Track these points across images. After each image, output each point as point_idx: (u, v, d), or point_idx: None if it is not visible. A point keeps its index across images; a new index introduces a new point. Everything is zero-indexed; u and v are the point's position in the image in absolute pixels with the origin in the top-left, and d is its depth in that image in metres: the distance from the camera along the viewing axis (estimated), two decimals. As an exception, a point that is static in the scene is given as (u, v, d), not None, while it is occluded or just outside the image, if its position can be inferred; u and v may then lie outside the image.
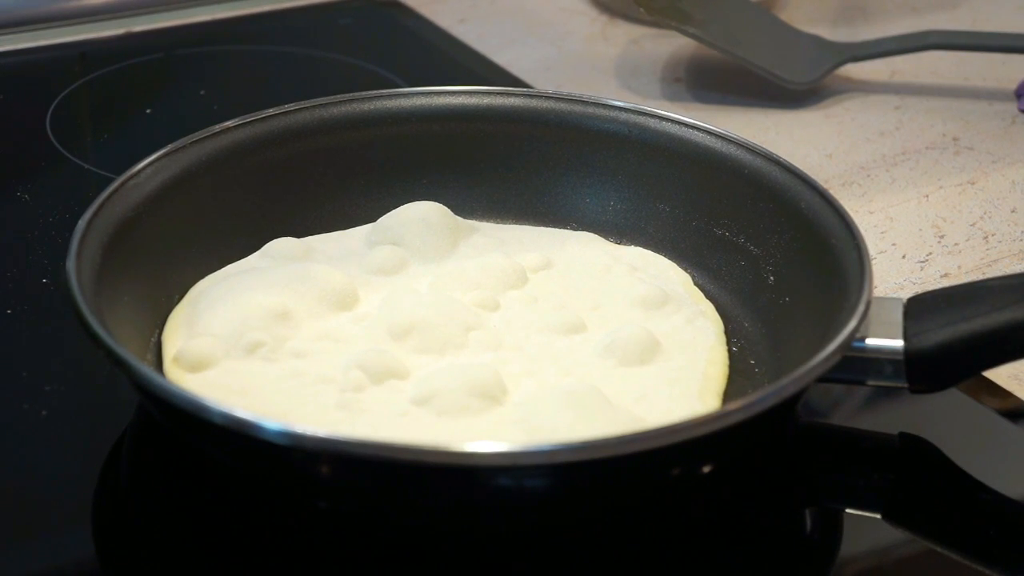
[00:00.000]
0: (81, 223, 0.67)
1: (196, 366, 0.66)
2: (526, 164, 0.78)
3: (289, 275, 0.70)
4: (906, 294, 0.68)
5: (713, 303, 0.73)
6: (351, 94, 0.79)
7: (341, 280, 0.71)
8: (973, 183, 0.90)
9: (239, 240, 0.74)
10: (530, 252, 0.75)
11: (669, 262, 0.75)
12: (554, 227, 0.78)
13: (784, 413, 0.65)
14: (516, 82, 0.98)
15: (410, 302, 0.70)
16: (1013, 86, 1.00)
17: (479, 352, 0.68)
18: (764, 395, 0.60)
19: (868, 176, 0.91)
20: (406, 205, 0.75)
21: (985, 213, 0.87)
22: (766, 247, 0.73)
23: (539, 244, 0.76)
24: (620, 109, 0.78)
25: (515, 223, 0.78)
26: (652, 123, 0.77)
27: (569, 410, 0.64)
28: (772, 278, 0.72)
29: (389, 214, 0.75)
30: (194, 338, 0.67)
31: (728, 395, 0.68)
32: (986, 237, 0.85)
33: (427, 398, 0.65)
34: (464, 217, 0.77)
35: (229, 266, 0.73)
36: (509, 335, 0.70)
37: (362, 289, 0.71)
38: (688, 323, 0.71)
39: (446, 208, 0.76)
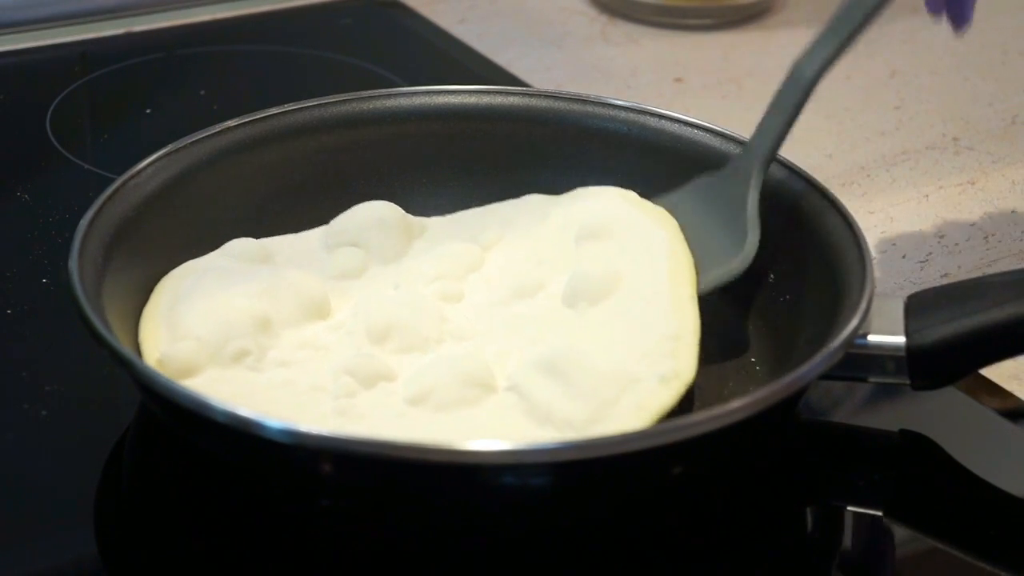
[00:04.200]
0: (83, 223, 0.67)
1: (182, 372, 0.65)
2: (525, 163, 0.78)
3: (266, 281, 0.70)
4: (906, 294, 0.68)
5: (713, 302, 0.73)
6: (351, 94, 0.79)
7: (317, 289, 0.70)
8: (973, 183, 0.90)
9: (239, 237, 0.73)
10: (479, 232, 0.75)
11: (610, 188, 0.76)
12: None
13: (786, 411, 0.65)
14: (516, 82, 0.98)
15: (383, 305, 0.70)
16: (1013, 86, 1.01)
17: (457, 341, 0.69)
18: (766, 393, 0.60)
19: (868, 176, 0.91)
20: (359, 205, 0.75)
21: (985, 213, 0.87)
22: (766, 245, 0.72)
23: (485, 222, 0.76)
24: (619, 108, 0.78)
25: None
26: (651, 121, 0.77)
27: (555, 381, 0.64)
28: (773, 276, 0.72)
29: (343, 215, 0.75)
30: (178, 342, 0.66)
31: (729, 394, 0.68)
32: (986, 237, 0.85)
33: (422, 397, 0.65)
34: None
35: (190, 261, 0.72)
36: (479, 318, 0.70)
37: (332, 296, 0.71)
38: (639, 237, 0.72)
39: (398, 207, 0.75)
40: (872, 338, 0.65)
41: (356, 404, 0.65)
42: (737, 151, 0.74)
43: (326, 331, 0.69)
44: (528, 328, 0.69)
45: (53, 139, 0.91)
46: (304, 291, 0.70)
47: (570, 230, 0.74)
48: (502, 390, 0.65)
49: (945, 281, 0.80)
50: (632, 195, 0.75)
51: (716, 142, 0.76)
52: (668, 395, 0.65)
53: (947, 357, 0.66)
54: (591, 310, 0.69)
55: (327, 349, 0.68)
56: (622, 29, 1.09)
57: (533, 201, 0.77)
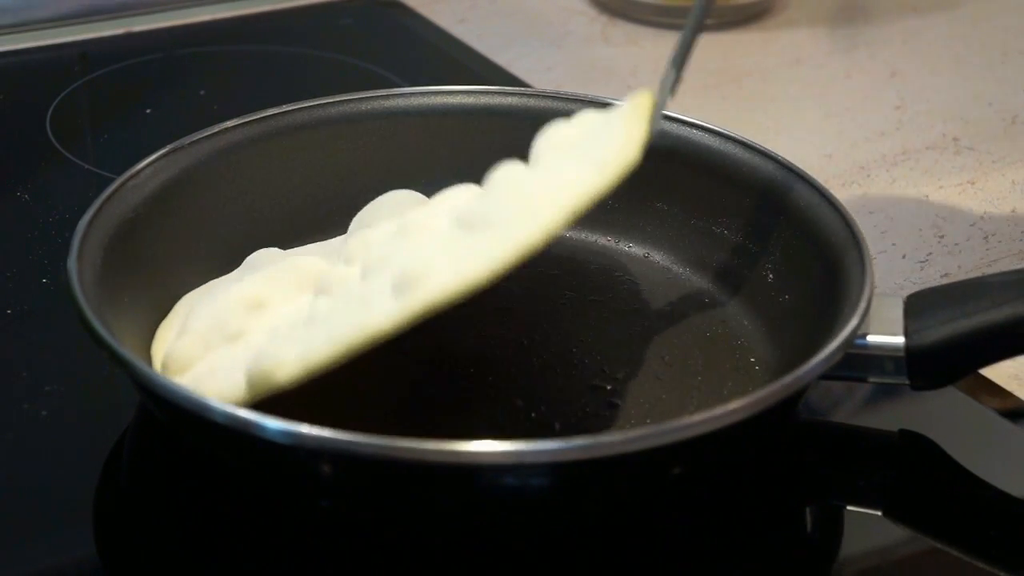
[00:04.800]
0: (82, 223, 0.67)
1: (183, 366, 0.65)
2: (524, 163, 0.78)
3: (267, 269, 0.70)
4: (906, 294, 0.68)
5: (711, 302, 0.73)
6: (351, 94, 0.79)
7: (318, 265, 0.70)
8: (973, 183, 0.90)
9: (239, 239, 0.74)
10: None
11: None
12: None
13: (785, 411, 0.65)
14: (516, 82, 0.98)
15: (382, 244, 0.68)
16: (1013, 86, 1.01)
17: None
18: (766, 394, 0.60)
19: (868, 176, 0.91)
20: (383, 196, 0.75)
21: (985, 213, 0.87)
22: (765, 245, 0.73)
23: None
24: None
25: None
26: (651, 121, 0.77)
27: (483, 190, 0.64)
28: (771, 276, 0.72)
29: (367, 206, 0.74)
30: (177, 340, 0.67)
31: (728, 394, 0.68)
32: (986, 237, 0.85)
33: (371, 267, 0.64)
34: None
35: (213, 280, 0.72)
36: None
37: (335, 277, 0.69)
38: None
39: (419, 194, 0.75)
40: (871, 338, 0.65)
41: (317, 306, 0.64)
42: (737, 150, 0.75)
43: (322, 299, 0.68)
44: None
45: (53, 139, 0.91)
46: (304, 269, 0.69)
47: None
48: (420, 234, 0.65)
49: (945, 281, 0.80)
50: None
51: (715, 141, 0.76)
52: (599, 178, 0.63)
53: (946, 357, 0.66)
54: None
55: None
56: (622, 29, 1.09)
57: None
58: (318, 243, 0.76)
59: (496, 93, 0.80)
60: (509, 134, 0.78)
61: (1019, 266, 0.83)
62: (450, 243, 0.62)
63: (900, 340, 0.65)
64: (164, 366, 0.66)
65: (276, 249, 0.74)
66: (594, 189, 0.63)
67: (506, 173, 0.66)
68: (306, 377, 0.60)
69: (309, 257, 0.71)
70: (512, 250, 0.60)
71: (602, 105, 0.78)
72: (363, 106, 0.79)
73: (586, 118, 0.69)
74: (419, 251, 0.62)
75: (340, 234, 0.75)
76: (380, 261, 0.64)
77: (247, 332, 0.66)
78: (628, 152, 0.64)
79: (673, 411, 0.67)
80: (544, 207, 0.62)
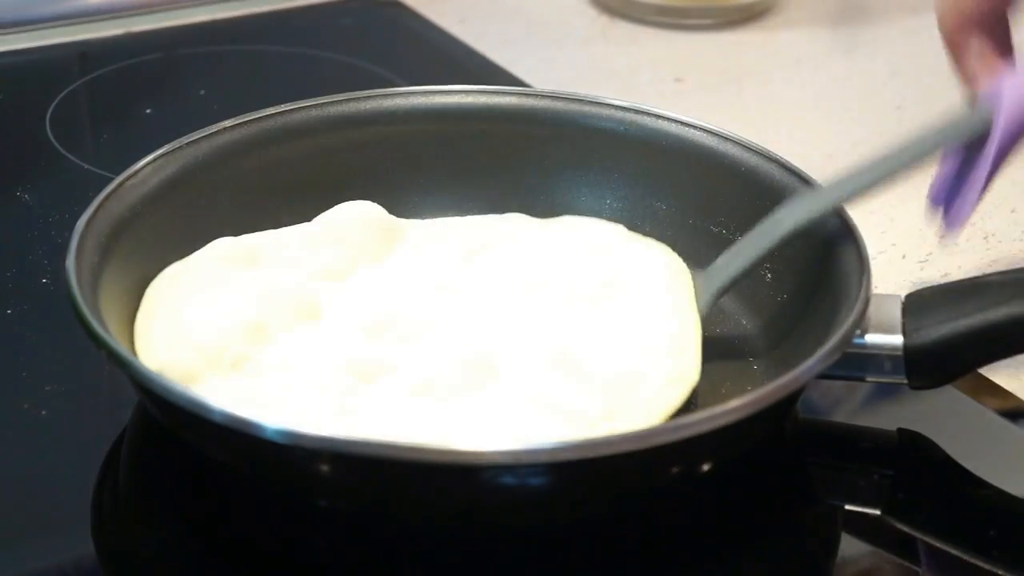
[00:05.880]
0: (80, 222, 0.67)
1: (183, 380, 0.65)
2: (523, 163, 0.78)
3: (256, 286, 0.70)
4: (905, 294, 0.68)
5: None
6: (351, 94, 0.79)
7: (307, 291, 0.70)
8: (973, 182, 0.90)
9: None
10: (468, 237, 0.75)
11: (598, 220, 0.76)
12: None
13: (784, 410, 0.65)
14: (516, 82, 0.98)
15: (375, 299, 0.70)
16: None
17: (454, 331, 0.68)
18: (764, 393, 0.60)
19: (868, 176, 0.90)
20: (341, 204, 0.75)
21: (985, 213, 0.87)
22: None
23: (471, 230, 0.76)
24: (617, 107, 0.78)
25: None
26: (649, 121, 0.77)
27: (564, 372, 0.65)
28: (770, 276, 0.72)
29: (324, 214, 0.75)
30: (175, 349, 0.66)
31: (727, 394, 0.68)
32: (986, 237, 0.85)
33: (424, 386, 0.65)
34: (462, 215, 0.77)
35: (177, 264, 0.71)
36: (478, 309, 0.70)
37: (321, 296, 0.71)
38: (635, 251, 0.73)
39: (380, 207, 0.75)
40: (870, 337, 0.65)
41: (359, 401, 0.65)
42: (735, 150, 0.75)
43: (320, 331, 0.69)
44: (530, 320, 0.69)
45: (53, 139, 0.91)
46: (294, 295, 0.70)
47: (565, 244, 0.74)
48: (505, 377, 0.65)
49: (945, 281, 0.80)
50: (622, 228, 0.75)
51: (714, 141, 0.76)
52: (675, 394, 0.65)
53: (945, 357, 0.66)
54: (592, 310, 0.70)
55: (324, 349, 0.68)
56: (622, 29, 1.09)
57: (519, 219, 0.77)
58: (277, 233, 0.75)
59: (496, 93, 0.79)
60: (509, 134, 0.78)
61: (1019, 266, 0.83)
62: (532, 422, 0.63)
63: (899, 339, 0.66)
64: (162, 374, 0.65)
65: (232, 239, 0.73)
66: (672, 409, 0.65)
67: (586, 350, 0.67)
68: None
69: (295, 280, 0.71)
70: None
71: (602, 105, 0.78)
72: (363, 106, 0.78)
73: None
74: (507, 423, 0.63)
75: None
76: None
77: (250, 360, 0.66)
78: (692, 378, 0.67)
79: (676, 411, 0.67)
80: (632, 418, 0.64)
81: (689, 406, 0.67)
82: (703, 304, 0.70)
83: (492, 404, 0.64)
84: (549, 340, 0.67)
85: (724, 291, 0.71)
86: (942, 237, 0.73)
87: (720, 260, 0.71)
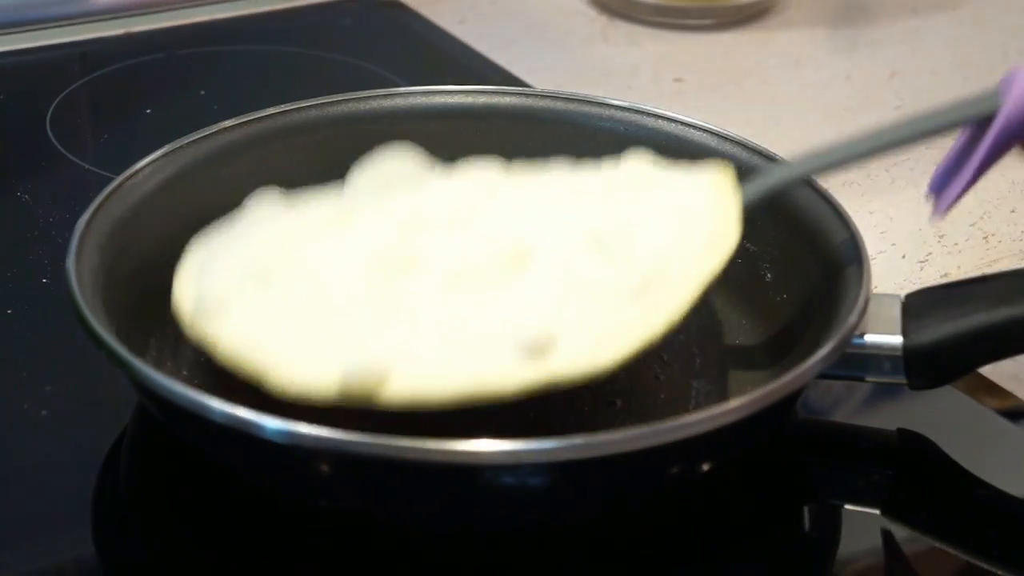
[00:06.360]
0: (80, 222, 0.67)
1: (216, 310, 0.64)
2: (523, 163, 0.78)
3: (286, 214, 0.69)
4: (905, 294, 0.68)
5: (709, 302, 0.73)
6: (351, 94, 0.79)
7: (332, 200, 0.69)
8: (973, 182, 0.90)
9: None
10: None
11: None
12: None
13: (784, 410, 0.65)
14: (516, 82, 0.98)
15: (411, 199, 0.69)
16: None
17: (490, 223, 0.67)
18: (763, 393, 0.60)
19: (868, 176, 0.91)
20: (380, 153, 0.74)
21: (985, 213, 0.87)
22: (763, 244, 0.73)
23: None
24: (617, 107, 0.78)
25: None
26: (649, 121, 0.77)
27: (600, 254, 0.64)
28: (769, 275, 0.72)
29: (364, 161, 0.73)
30: (205, 278, 0.66)
31: (726, 393, 0.68)
32: (986, 237, 0.85)
33: (457, 278, 0.64)
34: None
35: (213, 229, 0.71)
36: (515, 205, 0.69)
37: (354, 208, 0.69)
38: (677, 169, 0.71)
39: (419, 155, 0.74)
40: (869, 338, 0.65)
41: (392, 293, 0.63)
42: (735, 150, 0.75)
43: (351, 234, 0.67)
44: (567, 210, 0.67)
45: (53, 139, 0.91)
46: (322, 203, 0.69)
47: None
48: (541, 262, 0.64)
49: (945, 281, 0.80)
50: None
51: (715, 142, 0.76)
52: (714, 260, 0.65)
53: (944, 357, 0.66)
54: (628, 196, 0.68)
55: (355, 249, 0.66)
56: (622, 29, 1.09)
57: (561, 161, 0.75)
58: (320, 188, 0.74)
59: (496, 93, 0.79)
60: (509, 134, 0.78)
61: (1019, 266, 0.83)
62: (579, 305, 0.62)
63: (898, 340, 0.66)
64: (196, 313, 0.64)
65: (276, 189, 0.72)
66: (710, 275, 0.64)
67: (623, 230, 0.65)
68: (406, 410, 0.60)
69: (328, 198, 0.70)
70: (650, 333, 0.61)
71: (602, 105, 0.78)
72: (363, 106, 0.79)
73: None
74: (545, 305, 0.62)
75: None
76: (481, 271, 0.64)
77: (277, 271, 0.65)
78: (731, 240, 0.66)
79: (672, 411, 0.67)
80: (681, 287, 0.63)
81: (689, 406, 0.67)
82: (760, 187, 0.69)
83: (528, 293, 0.63)
84: (584, 224, 0.66)
85: (793, 180, 0.70)
86: (930, 219, 0.72)
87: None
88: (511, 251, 0.65)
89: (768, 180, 0.70)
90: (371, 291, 0.64)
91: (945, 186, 0.70)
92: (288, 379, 0.61)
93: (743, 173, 0.73)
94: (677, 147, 0.76)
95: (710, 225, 0.66)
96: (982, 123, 0.69)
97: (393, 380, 0.60)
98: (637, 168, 0.70)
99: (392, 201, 0.70)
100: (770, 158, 0.74)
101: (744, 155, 0.75)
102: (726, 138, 0.76)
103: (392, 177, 0.72)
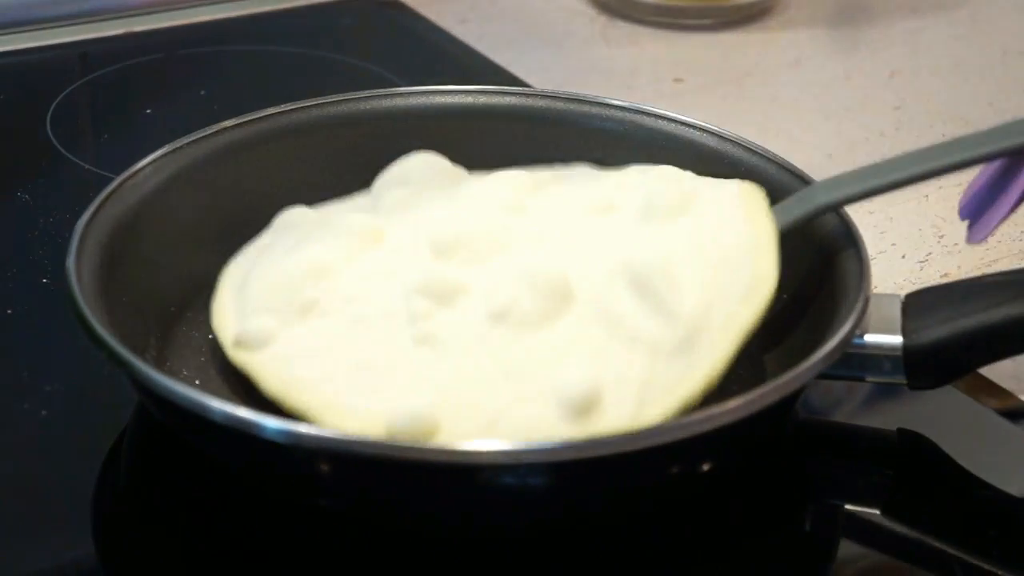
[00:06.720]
0: (80, 222, 0.67)
1: (260, 344, 0.65)
2: (523, 163, 0.78)
3: (312, 231, 0.70)
4: (905, 294, 0.68)
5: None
6: (351, 94, 0.79)
7: (363, 218, 0.70)
8: (973, 183, 0.90)
9: (237, 238, 0.74)
10: (535, 175, 0.74)
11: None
12: None
13: (784, 410, 0.65)
14: (516, 82, 0.98)
15: (444, 218, 0.69)
16: (1013, 86, 1.00)
17: (525, 250, 0.67)
18: (763, 393, 0.60)
19: (868, 176, 0.90)
20: (404, 157, 0.74)
21: (985, 213, 0.87)
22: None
23: (540, 172, 0.75)
24: (616, 107, 0.78)
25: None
26: (648, 121, 0.77)
27: (642, 297, 0.64)
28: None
29: (388, 168, 0.74)
30: (247, 317, 0.66)
31: (727, 394, 0.68)
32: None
33: (502, 312, 0.64)
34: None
35: (247, 247, 0.72)
36: (548, 229, 0.69)
37: (386, 225, 0.70)
38: (708, 180, 0.71)
39: (443, 159, 0.74)
40: (869, 338, 0.65)
41: (435, 328, 0.64)
42: (735, 150, 0.75)
43: (386, 256, 0.68)
44: (603, 239, 0.68)
45: (53, 139, 0.91)
46: (353, 223, 0.69)
47: (634, 175, 0.72)
48: (582, 302, 0.65)
49: (944, 281, 0.80)
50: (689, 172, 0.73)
51: (715, 142, 0.76)
52: (751, 311, 0.64)
53: (944, 357, 0.66)
54: (667, 226, 0.68)
55: (392, 273, 0.67)
56: (622, 29, 1.09)
57: (584, 167, 0.75)
58: (344, 200, 0.75)
59: (496, 93, 0.79)
60: (509, 134, 0.78)
61: (1019, 266, 0.83)
62: (611, 355, 0.63)
63: (898, 340, 0.65)
64: (239, 344, 0.66)
65: (304, 207, 0.73)
66: (750, 325, 0.64)
67: (664, 273, 0.65)
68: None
69: (359, 215, 0.71)
70: (692, 391, 0.62)
71: (602, 105, 0.78)
72: (363, 106, 0.78)
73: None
74: (589, 354, 0.63)
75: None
76: (510, 308, 0.64)
77: (319, 302, 0.66)
78: (769, 285, 0.66)
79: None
80: (710, 347, 0.63)
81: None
82: (793, 215, 0.69)
83: (570, 334, 0.63)
84: (623, 259, 0.66)
85: (828, 209, 0.69)
86: (967, 242, 0.72)
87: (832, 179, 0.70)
88: (552, 289, 0.65)
89: (802, 208, 0.69)
90: (414, 325, 0.64)
91: (980, 213, 0.69)
92: (338, 425, 0.62)
93: (743, 174, 0.74)
94: (677, 147, 0.76)
95: (750, 268, 0.66)
96: (1016, 152, 0.68)
97: (441, 432, 0.61)
98: (666, 184, 0.70)
99: (420, 213, 0.71)
100: (770, 158, 0.74)
101: (744, 155, 0.75)
102: (726, 138, 0.76)
103: (416, 185, 0.72)
